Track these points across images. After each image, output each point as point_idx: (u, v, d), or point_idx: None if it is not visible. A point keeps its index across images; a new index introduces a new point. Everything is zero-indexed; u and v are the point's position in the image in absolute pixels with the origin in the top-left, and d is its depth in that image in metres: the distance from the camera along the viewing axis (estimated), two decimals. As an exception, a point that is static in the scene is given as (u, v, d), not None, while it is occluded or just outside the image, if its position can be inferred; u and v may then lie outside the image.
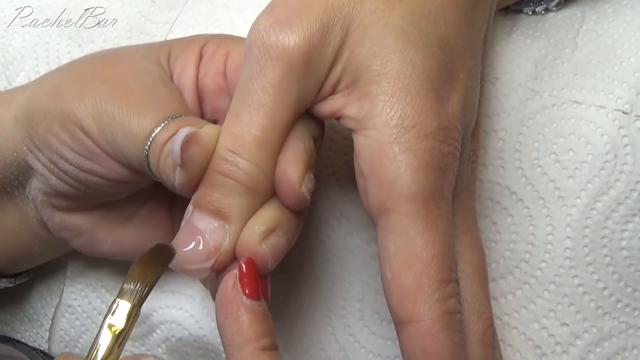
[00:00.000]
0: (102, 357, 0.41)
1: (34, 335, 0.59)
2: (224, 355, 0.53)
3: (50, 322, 0.58)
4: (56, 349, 0.59)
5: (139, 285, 0.42)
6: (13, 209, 0.52)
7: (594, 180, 0.48)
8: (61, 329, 0.58)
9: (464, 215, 0.44)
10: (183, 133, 0.42)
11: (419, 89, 0.41)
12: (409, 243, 0.39)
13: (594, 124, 0.49)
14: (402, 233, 0.40)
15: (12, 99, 0.50)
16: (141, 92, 0.46)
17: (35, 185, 0.49)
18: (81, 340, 0.58)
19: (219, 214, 0.42)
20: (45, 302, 0.58)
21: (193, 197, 0.43)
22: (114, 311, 0.41)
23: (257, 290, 0.42)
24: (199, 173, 0.43)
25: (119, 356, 0.41)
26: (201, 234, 0.42)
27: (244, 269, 0.42)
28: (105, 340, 0.41)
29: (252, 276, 0.42)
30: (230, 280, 0.42)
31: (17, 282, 0.56)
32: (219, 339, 0.53)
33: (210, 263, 0.43)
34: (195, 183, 0.43)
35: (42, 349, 0.59)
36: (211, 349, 0.54)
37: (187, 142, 0.42)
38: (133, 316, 0.41)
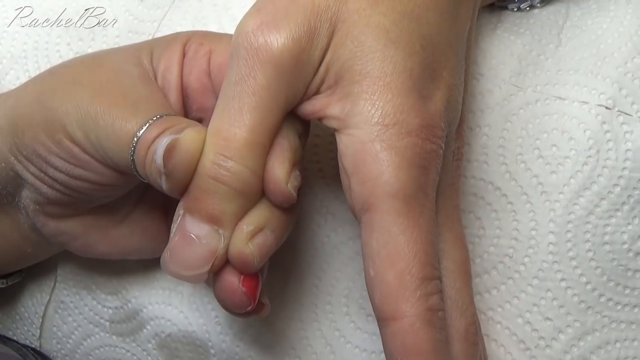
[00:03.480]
0: None
1: (25, 333, 0.60)
2: (212, 350, 0.54)
3: (40, 320, 0.59)
4: (47, 346, 0.59)
5: None
6: (3, 215, 0.51)
7: (577, 175, 0.49)
8: (54, 325, 0.59)
9: (448, 213, 0.45)
10: (164, 142, 0.42)
11: (401, 87, 0.41)
12: (391, 241, 0.40)
13: (577, 120, 0.50)
14: (385, 231, 0.40)
15: None
16: (122, 94, 0.45)
17: (26, 195, 0.49)
18: (73, 337, 0.58)
19: (213, 219, 0.42)
20: (36, 300, 0.59)
21: (182, 201, 0.43)
22: None
23: None
24: (186, 179, 0.43)
25: None
26: (197, 240, 0.42)
27: None
28: None
29: None
30: None
31: (9, 283, 0.56)
32: (207, 335, 0.54)
33: (207, 268, 0.43)
34: (182, 188, 0.43)
35: (33, 346, 0.60)
36: (199, 345, 0.54)
37: (169, 150, 0.42)
38: None
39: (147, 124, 0.44)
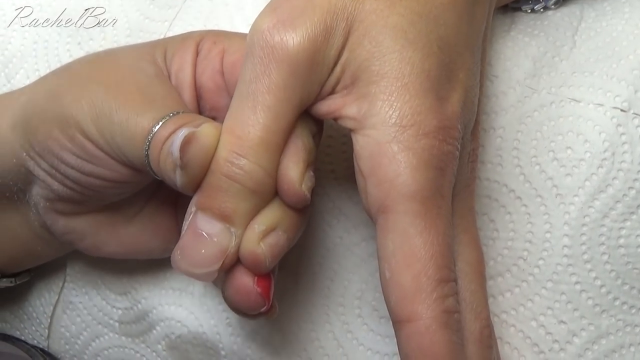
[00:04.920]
0: None
1: (33, 333, 0.59)
2: (223, 352, 0.54)
3: (49, 320, 0.58)
4: (55, 347, 0.59)
5: None
6: (13, 212, 0.51)
7: (592, 178, 0.49)
8: (62, 325, 0.58)
9: (463, 215, 0.44)
10: (182, 134, 0.42)
11: (418, 89, 0.41)
12: (408, 242, 0.39)
13: (592, 122, 0.49)
14: (401, 232, 0.40)
15: (7, 105, 0.50)
16: (137, 91, 0.45)
17: (37, 192, 0.49)
18: (81, 337, 0.58)
19: (225, 217, 0.42)
20: (44, 300, 0.58)
21: (195, 198, 0.43)
22: None
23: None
24: (200, 174, 0.42)
25: None
26: (208, 238, 0.42)
27: None
28: None
29: None
30: None
31: (18, 282, 0.56)
32: (218, 336, 0.53)
33: (217, 266, 0.43)
34: (197, 183, 0.43)
35: (41, 346, 0.59)
36: (210, 346, 0.54)
37: (186, 143, 0.41)
38: None
39: (164, 120, 0.44)
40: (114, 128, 0.44)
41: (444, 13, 0.42)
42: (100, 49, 0.59)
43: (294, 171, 0.43)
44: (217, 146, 0.42)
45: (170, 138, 0.43)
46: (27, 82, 0.59)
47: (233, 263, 0.43)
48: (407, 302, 0.39)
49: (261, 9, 0.44)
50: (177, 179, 0.43)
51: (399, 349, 0.40)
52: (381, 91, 0.41)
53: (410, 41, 0.41)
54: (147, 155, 0.44)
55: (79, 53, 0.59)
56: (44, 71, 0.59)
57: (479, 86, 0.45)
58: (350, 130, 0.42)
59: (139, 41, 0.58)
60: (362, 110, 0.41)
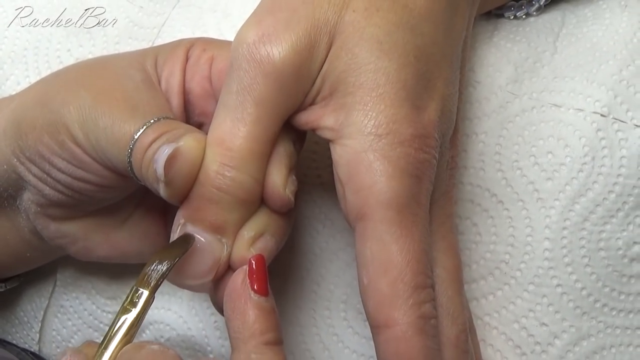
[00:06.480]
0: (117, 342, 0.42)
1: (25, 337, 0.60)
2: (211, 355, 0.54)
3: (40, 324, 0.59)
4: (47, 350, 0.59)
5: (154, 272, 0.42)
6: (3, 218, 0.52)
7: (572, 182, 0.49)
8: (53, 329, 0.59)
9: (441, 222, 0.45)
10: (165, 152, 0.42)
11: (394, 98, 0.41)
12: (385, 249, 0.40)
13: (573, 127, 0.50)
14: (378, 239, 0.40)
15: None
16: (122, 97, 0.46)
17: (28, 197, 0.49)
18: (72, 341, 0.58)
19: (216, 228, 0.43)
20: (35, 305, 0.59)
21: (183, 210, 0.44)
22: (131, 297, 0.42)
23: (265, 286, 0.43)
24: (186, 187, 0.43)
25: (130, 341, 0.42)
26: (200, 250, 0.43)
27: (254, 266, 0.43)
28: (119, 326, 0.42)
29: (261, 272, 0.43)
30: (240, 275, 0.43)
31: (8, 287, 0.57)
32: (206, 340, 0.54)
33: (211, 277, 0.44)
34: (182, 196, 0.44)
35: (32, 350, 0.60)
36: (198, 349, 0.55)
37: (171, 159, 0.42)
38: (146, 302, 0.42)
39: (144, 127, 0.44)
40: (98, 133, 0.45)
41: (420, 23, 0.43)
42: (90, 56, 0.59)
43: (278, 177, 0.43)
44: (202, 159, 0.43)
45: (151, 147, 0.43)
46: (18, 89, 0.59)
47: (224, 272, 0.44)
48: (384, 308, 0.40)
49: (247, 16, 0.44)
50: (162, 191, 0.43)
51: (376, 353, 0.41)
52: (357, 102, 0.41)
53: (385, 52, 0.42)
54: (130, 162, 0.44)
55: (68, 60, 0.60)
56: (34, 78, 0.60)
57: (458, 94, 0.46)
58: (329, 141, 0.43)
59: (128, 48, 0.58)
60: (339, 121, 0.42)
